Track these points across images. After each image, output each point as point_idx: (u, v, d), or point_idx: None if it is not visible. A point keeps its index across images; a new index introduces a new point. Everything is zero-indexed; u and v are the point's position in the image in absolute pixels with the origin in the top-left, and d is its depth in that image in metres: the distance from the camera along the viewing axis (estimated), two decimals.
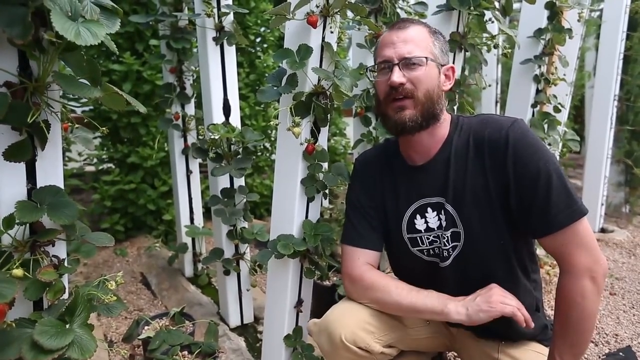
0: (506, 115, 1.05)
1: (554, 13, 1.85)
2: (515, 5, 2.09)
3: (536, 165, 0.93)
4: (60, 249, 0.84)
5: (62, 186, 0.81)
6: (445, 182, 1.03)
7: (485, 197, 0.99)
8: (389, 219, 1.11)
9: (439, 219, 1.05)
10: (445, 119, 1.07)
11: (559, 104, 2.00)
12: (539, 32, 1.87)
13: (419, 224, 1.07)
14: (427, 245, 1.07)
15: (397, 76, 0.98)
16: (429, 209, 1.06)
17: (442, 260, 1.05)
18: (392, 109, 1.01)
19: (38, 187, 0.79)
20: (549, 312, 2.12)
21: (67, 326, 0.76)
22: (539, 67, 1.92)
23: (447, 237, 1.03)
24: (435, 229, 1.05)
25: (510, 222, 0.99)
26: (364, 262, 1.11)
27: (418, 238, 1.08)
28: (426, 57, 0.99)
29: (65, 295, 0.84)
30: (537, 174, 0.93)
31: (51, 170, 0.81)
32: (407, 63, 0.99)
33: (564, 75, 2.00)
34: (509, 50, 2.05)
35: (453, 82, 1.08)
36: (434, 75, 1.01)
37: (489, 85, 3.39)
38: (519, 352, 1.07)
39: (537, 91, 1.96)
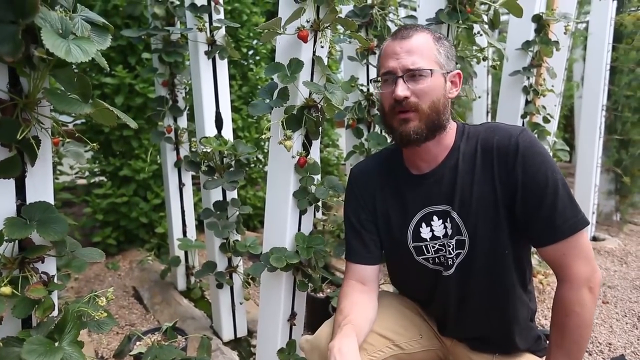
0: (512, 125, 1.04)
1: (541, 26, 1.89)
2: (503, 18, 2.13)
3: (544, 174, 0.93)
4: (49, 266, 0.84)
5: (52, 202, 0.81)
6: (452, 190, 1.01)
7: (492, 205, 0.98)
8: (392, 229, 1.10)
9: (445, 227, 1.03)
10: (452, 126, 1.05)
11: (548, 114, 2.03)
12: (526, 45, 1.90)
13: (425, 232, 1.06)
14: (432, 254, 1.06)
15: (401, 89, 0.96)
16: (435, 217, 1.04)
17: (446, 268, 1.04)
18: (397, 121, 0.99)
19: (28, 203, 0.79)
20: (543, 321, 2.12)
21: (56, 344, 0.76)
22: (528, 78, 1.96)
23: (452, 244, 1.02)
24: (441, 237, 1.04)
25: (515, 231, 0.98)
26: (353, 278, 1.12)
27: (423, 247, 1.06)
28: (431, 69, 0.97)
29: (55, 312, 0.83)
30: (545, 183, 0.93)
31: (41, 186, 0.80)
32: (412, 75, 0.96)
33: (552, 86, 2.04)
34: (498, 62, 2.08)
35: (460, 88, 1.05)
36: (439, 85, 0.98)
37: (479, 97, 3.43)
38: None
39: (527, 102, 2.00)
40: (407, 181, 1.09)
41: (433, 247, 1.06)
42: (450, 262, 1.04)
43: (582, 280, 0.93)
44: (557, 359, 0.97)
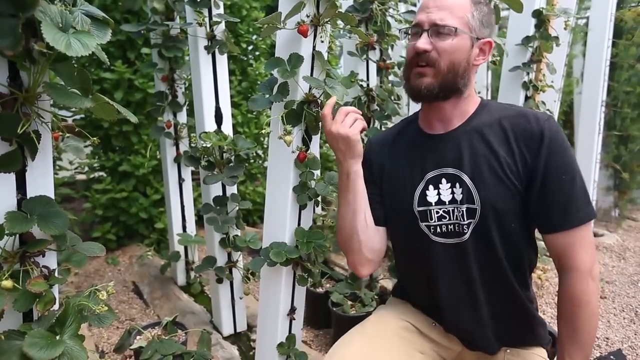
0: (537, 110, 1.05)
1: (541, 21, 1.88)
2: (503, 13, 2.12)
3: (567, 162, 0.95)
4: (50, 259, 0.84)
5: (52, 196, 0.81)
6: (465, 155, 1.00)
7: (508, 178, 0.97)
8: (399, 194, 1.08)
9: (452, 193, 1.01)
10: (472, 96, 1.05)
11: (548, 110, 2.03)
12: (526, 40, 1.90)
13: (431, 195, 1.03)
14: (435, 221, 1.03)
15: (423, 42, 0.96)
16: (444, 180, 1.02)
17: (457, 236, 1.01)
18: (413, 74, 1.00)
19: (28, 197, 0.79)
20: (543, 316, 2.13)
21: (58, 337, 0.76)
22: (528, 74, 1.95)
23: (463, 211, 0.99)
24: (447, 202, 1.01)
25: (524, 209, 0.98)
26: None
27: (428, 212, 1.04)
28: (456, 28, 0.95)
29: (56, 306, 0.84)
30: (566, 170, 0.95)
31: (41, 180, 0.80)
32: (437, 31, 0.96)
33: (552, 82, 2.04)
34: (498, 58, 2.08)
35: (489, 58, 1.05)
36: (463, 47, 0.97)
37: (479, 92, 3.43)
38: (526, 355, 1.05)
39: (526, 98, 1.99)
40: (420, 140, 1.08)
41: (437, 212, 1.02)
42: (461, 229, 1.00)
43: (587, 269, 0.95)
44: (571, 352, 0.95)
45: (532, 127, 0.96)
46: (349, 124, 1.05)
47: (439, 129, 1.06)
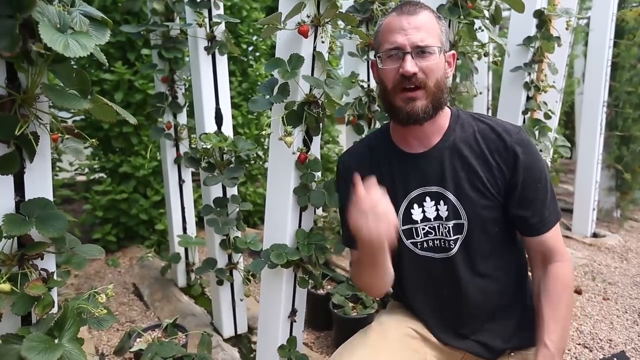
0: (506, 121, 1.07)
1: (543, 21, 1.88)
2: (505, 14, 2.12)
3: (539, 170, 1.01)
4: (49, 262, 0.83)
5: (51, 198, 0.80)
6: (447, 172, 1.02)
7: (489, 191, 1.01)
8: None
9: (437, 210, 1.03)
10: (445, 108, 1.06)
11: (550, 110, 2.02)
12: (528, 40, 1.89)
13: (416, 213, 1.05)
14: (421, 237, 1.05)
15: (411, 65, 0.95)
16: (428, 198, 1.04)
17: (442, 251, 1.04)
18: (401, 99, 0.98)
19: (26, 199, 0.78)
20: None
21: (56, 341, 0.75)
22: (529, 74, 1.95)
23: (449, 227, 1.02)
24: (432, 219, 1.04)
25: (505, 216, 1.03)
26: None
27: (413, 229, 1.06)
28: (439, 47, 0.98)
29: (55, 309, 0.83)
30: (540, 178, 1.01)
31: (40, 183, 0.80)
32: (420, 52, 0.96)
33: (554, 82, 2.03)
34: (499, 58, 2.07)
35: (453, 69, 1.08)
36: (442, 63, 1.00)
37: (480, 93, 3.42)
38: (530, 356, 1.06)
39: (528, 98, 1.99)
40: (400, 159, 1.08)
41: (423, 229, 1.05)
42: (447, 244, 1.03)
43: (569, 257, 1.03)
44: (551, 333, 0.98)
45: (505, 141, 1.01)
46: (381, 225, 0.90)
47: (417, 147, 1.06)
